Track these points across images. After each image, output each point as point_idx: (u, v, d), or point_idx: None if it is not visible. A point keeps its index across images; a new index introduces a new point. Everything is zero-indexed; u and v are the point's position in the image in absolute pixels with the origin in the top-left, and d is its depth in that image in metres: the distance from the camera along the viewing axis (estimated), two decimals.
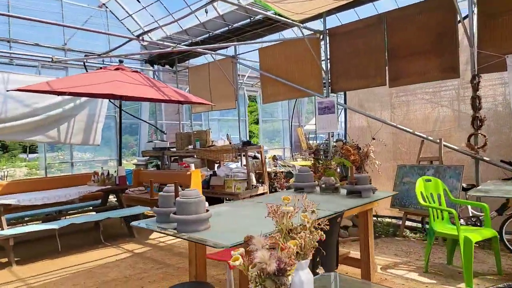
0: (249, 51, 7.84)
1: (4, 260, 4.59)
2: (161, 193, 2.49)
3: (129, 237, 5.62)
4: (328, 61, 6.00)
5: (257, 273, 0.85)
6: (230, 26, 7.22)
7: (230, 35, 7.31)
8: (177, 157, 7.82)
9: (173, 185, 2.46)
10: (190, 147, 7.29)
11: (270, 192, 6.49)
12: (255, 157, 7.29)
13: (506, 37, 4.37)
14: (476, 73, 4.56)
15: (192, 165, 6.42)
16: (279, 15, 5.31)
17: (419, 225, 5.24)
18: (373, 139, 5.29)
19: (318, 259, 1.74)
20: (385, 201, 5.07)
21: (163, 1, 7.75)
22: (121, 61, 5.71)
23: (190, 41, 7.95)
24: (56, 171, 8.97)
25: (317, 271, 1.66)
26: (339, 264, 3.04)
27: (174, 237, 5.29)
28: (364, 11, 6.34)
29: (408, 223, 5.28)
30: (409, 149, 5.87)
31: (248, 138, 11.00)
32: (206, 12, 4.79)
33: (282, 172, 6.57)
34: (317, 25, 6.43)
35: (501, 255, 3.58)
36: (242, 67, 8.28)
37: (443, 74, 4.89)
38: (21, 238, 4.77)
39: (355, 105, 6.26)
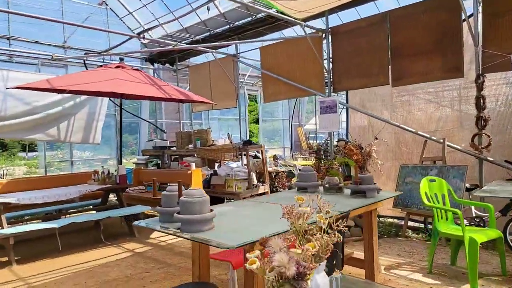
0: (250, 50, 7.80)
1: (4, 259, 4.55)
2: (164, 192, 2.45)
3: (129, 236, 5.58)
4: (330, 60, 5.96)
5: (275, 277, 0.81)
6: (231, 25, 7.18)
7: (231, 33, 7.26)
8: (177, 156, 7.78)
9: (177, 184, 2.42)
10: (191, 146, 7.25)
11: (271, 191, 6.46)
12: (255, 157, 7.26)
13: (511, 36, 4.34)
14: (480, 72, 4.53)
15: (193, 164, 6.38)
16: (282, 13, 5.27)
17: (422, 225, 5.21)
18: (376, 138, 5.25)
19: (334, 262, 1.70)
20: (388, 201, 5.03)
21: None
22: (121, 59, 5.67)
23: (191, 39, 7.91)
24: (56, 170, 8.92)
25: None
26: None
27: (175, 237, 5.26)
28: (366, 11, 6.30)
29: (410, 223, 5.25)
30: (411, 149, 5.84)
31: (248, 138, 10.96)
32: (208, 10, 4.75)
33: (283, 171, 6.53)
34: (319, 24, 6.40)
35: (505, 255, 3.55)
36: (242, 66, 8.23)
37: (447, 73, 4.86)
38: (21, 237, 4.73)
39: (357, 104, 6.23)
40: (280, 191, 6.22)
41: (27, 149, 20.29)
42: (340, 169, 4.80)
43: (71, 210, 6.20)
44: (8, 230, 4.51)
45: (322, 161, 4.69)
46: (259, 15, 6.61)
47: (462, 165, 4.73)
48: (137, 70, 5.53)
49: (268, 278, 0.81)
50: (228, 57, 7.65)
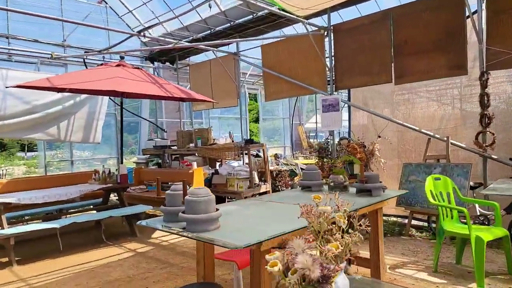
0: (251, 48, 7.75)
1: (5, 259, 4.50)
2: (168, 191, 2.41)
3: (131, 236, 5.54)
4: (333, 58, 5.92)
5: (298, 280, 0.77)
6: (232, 23, 7.13)
7: (232, 31, 7.21)
8: (178, 156, 7.75)
9: (181, 183, 2.38)
10: (192, 145, 7.21)
11: (273, 191, 6.42)
12: (257, 156, 7.22)
13: None
14: (485, 70, 4.49)
15: (195, 163, 6.35)
16: (284, 10, 5.22)
17: (425, 224, 5.18)
18: (379, 137, 5.22)
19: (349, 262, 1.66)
20: (391, 200, 4.99)
21: None
22: (122, 57, 5.62)
23: (191, 37, 7.86)
24: (55, 170, 8.86)
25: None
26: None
27: (177, 236, 5.23)
28: (367, 9, 6.26)
29: (413, 222, 5.22)
30: (413, 147, 5.81)
31: (248, 137, 10.92)
32: (210, 7, 4.69)
33: (286, 170, 6.49)
34: (320, 22, 6.36)
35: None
36: (243, 65, 8.19)
37: (451, 71, 4.82)
38: (22, 237, 4.68)
39: (359, 103, 6.19)
40: (283, 189, 6.19)
41: (26, 149, 20.20)
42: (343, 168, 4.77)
43: (72, 210, 6.16)
44: (9, 230, 4.47)
45: (325, 159, 4.65)
46: (260, 13, 6.56)
47: (466, 163, 4.70)
48: (138, 68, 5.48)
49: (289, 281, 0.77)
50: (229, 55, 7.61)
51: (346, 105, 6.61)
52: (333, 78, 5.92)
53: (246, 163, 6.62)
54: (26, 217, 5.63)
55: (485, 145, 4.56)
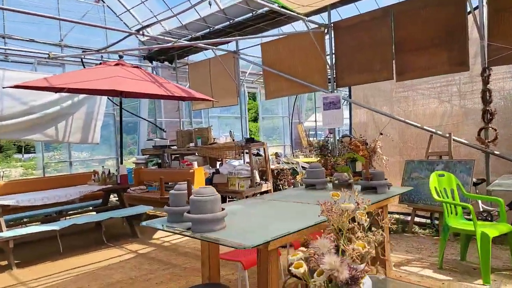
0: (251, 46, 7.71)
1: (4, 263, 4.45)
2: (172, 191, 2.36)
3: (132, 237, 5.48)
4: (333, 55, 5.88)
5: (324, 282, 0.73)
6: (231, 21, 7.08)
7: (231, 29, 7.16)
8: (178, 155, 7.69)
9: (185, 183, 2.33)
10: (191, 144, 7.16)
11: (274, 190, 6.38)
12: (257, 154, 7.18)
13: None
14: (486, 66, 4.47)
15: (195, 163, 6.30)
16: (284, 8, 5.18)
17: (428, 221, 5.16)
18: (381, 134, 5.19)
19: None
20: (393, 197, 4.98)
21: None
22: (121, 57, 5.57)
23: (190, 36, 7.80)
24: (53, 171, 8.77)
25: None
26: None
27: (179, 237, 5.18)
28: (367, 7, 6.22)
29: (416, 219, 5.19)
30: (415, 144, 5.79)
31: (248, 135, 10.88)
32: (210, 5, 4.64)
33: (288, 169, 6.45)
34: (320, 20, 6.31)
35: None
36: (242, 64, 8.14)
37: (453, 67, 4.80)
38: (21, 239, 4.62)
39: (360, 100, 6.16)
40: (285, 188, 6.15)
41: (23, 150, 20.06)
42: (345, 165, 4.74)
43: (71, 212, 6.09)
44: (7, 233, 4.40)
45: (328, 157, 4.61)
46: (260, 11, 6.51)
47: (469, 160, 4.67)
48: (137, 67, 5.43)
49: (314, 283, 0.73)
50: (229, 54, 7.55)
51: (346, 103, 6.58)
52: (334, 75, 5.88)
53: (247, 162, 6.57)
54: (25, 220, 5.57)
55: (487, 141, 4.53)
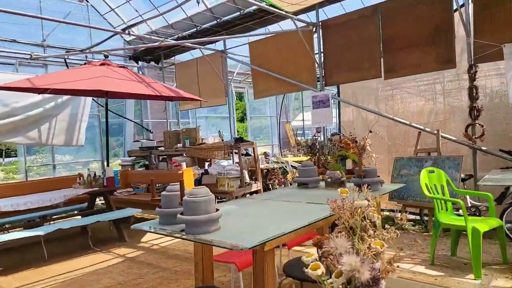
0: (238, 46, 7.66)
1: None
2: (164, 192, 2.30)
3: (119, 241, 5.35)
4: (322, 54, 5.89)
5: (343, 284, 0.69)
6: (219, 20, 7.01)
7: (219, 29, 7.09)
8: (165, 156, 7.57)
9: (177, 184, 2.27)
10: (179, 145, 7.06)
11: (264, 189, 6.34)
12: (246, 154, 7.13)
13: (502, 26, 4.35)
14: (473, 63, 4.53)
15: (184, 164, 6.20)
16: (273, 6, 5.15)
17: (418, 217, 5.20)
18: (370, 132, 5.21)
19: None
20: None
21: None
22: (106, 56, 5.43)
23: (177, 35, 7.69)
24: (35, 175, 8.52)
25: None
26: None
27: (169, 239, 5.08)
28: (353, 7, 6.24)
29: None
30: (403, 142, 5.85)
31: (236, 135, 10.80)
32: (198, 3, 4.56)
33: (278, 168, 6.42)
34: (308, 18, 6.31)
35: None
36: (230, 64, 8.07)
37: (440, 65, 4.85)
38: (4, 246, 4.45)
39: (349, 98, 6.18)
40: (276, 188, 6.12)
41: (3, 154, 19.49)
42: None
43: (56, 216, 5.91)
44: None
45: (319, 156, 4.60)
46: (248, 10, 6.46)
47: (457, 156, 4.73)
48: (123, 67, 5.31)
49: (332, 285, 0.69)
50: (216, 53, 7.48)
51: (334, 101, 6.60)
52: (323, 74, 5.89)
53: (236, 162, 6.51)
54: (7, 225, 5.37)
55: (474, 137, 4.60)
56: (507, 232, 4.18)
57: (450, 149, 5.26)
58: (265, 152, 8.07)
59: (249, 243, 1.77)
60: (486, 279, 3.23)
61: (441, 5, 4.77)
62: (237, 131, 16.43)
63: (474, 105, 4.57)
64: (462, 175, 4.67)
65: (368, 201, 0.94)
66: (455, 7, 4.66)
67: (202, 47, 7.27)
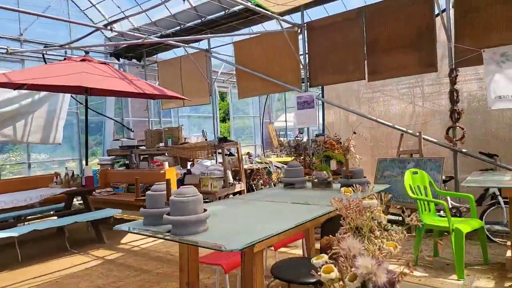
0: (223, 45, 7.58)
1: None
2: (149, 192, 2.21)
3: (98, 242, 5.18)
4: (307, 55, 5.90)
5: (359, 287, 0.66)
6: (203, 19, 6.92)
7: (203, 27, 7.01)
8: (146, 156, 7.42)
9: (163, 183, 2.19)
10: (161, 145, 6.93)
11: (248, 190, 6.30)
12: (230, 154, 7.07)
13: (482, 32, 4.47)
14: (453, 67, 4.63)
15: (166, 163, 6.08)
16: (259, 6, 5.12)
17: (399, 218, 5.26)
18: (354, 133, 5.25)
19: None
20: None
21: None
22: (86, 52, 5.27)
23: (160, 33, 7.55)
24: (9, 174, 8.17)
25: None
26: None
27: (150, 240, 4.96)
28: (336, 10, 6.29)
29: (388, 216, 5.29)
30: (385, 143, 5.93)
31: (219, 135, 10.71)
32: (184, 1, 4.48)
33: (263, 168, 6.39)
34: (293, 19, 6.31)
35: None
36: (214, 63, 7.99)
37: (422, 68, 4.95)
38: None
39: (333, 100, 6.22)
40: (261, 188, 6.08)
41: None
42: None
43: (31, 217, 5.68)
44: None
45: (306, 156, 4.59)
46: (233, 9, 6.41)
47: (439, 158, 4.82)
48: (105, 63, 5.15)
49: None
50: (200, 52, 7.38)
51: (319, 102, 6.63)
52: (307, 75, 5.90)
53: (219, 162, 6.44)
54: None
55: (455, 139, 4.70)
56: (487, 233, 4.29)
57: (431, 151, 5.36)
58: (248, 152, 8.03)
59: (239, 244, 1.71)
60: (468, 279, 3.29)
61: (423, 10, 4.86)
62: (219, 131, 16.33)
63: (455, 108, 4.67)
64: (443, 177, 4.76)
65: (377, 200, 0.91)
66: (437, 12, 4.75)
67: (186, 45, 7.16)
